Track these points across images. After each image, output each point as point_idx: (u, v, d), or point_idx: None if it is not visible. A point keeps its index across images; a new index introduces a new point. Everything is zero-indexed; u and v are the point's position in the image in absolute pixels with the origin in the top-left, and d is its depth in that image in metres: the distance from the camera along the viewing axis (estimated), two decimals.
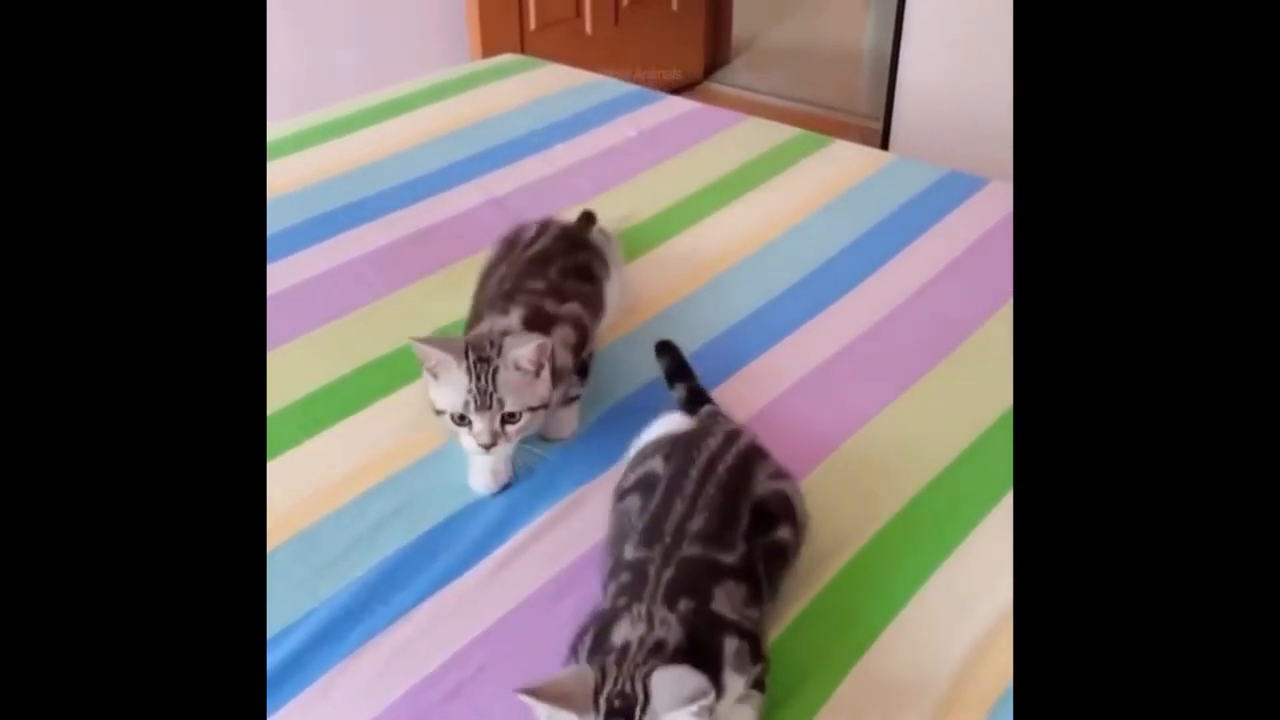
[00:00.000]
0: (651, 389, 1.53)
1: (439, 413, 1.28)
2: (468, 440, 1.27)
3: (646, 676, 0.91)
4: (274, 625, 1.17)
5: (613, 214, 1.97)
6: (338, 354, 1.61)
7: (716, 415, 1.37)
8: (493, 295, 1.45)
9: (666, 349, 1.51)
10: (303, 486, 1.37)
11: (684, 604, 1.01)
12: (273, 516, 1.31)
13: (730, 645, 1.00)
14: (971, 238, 1.93)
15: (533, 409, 1.28)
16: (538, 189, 2.10)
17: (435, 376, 1.28)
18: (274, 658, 1.14)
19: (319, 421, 1.48)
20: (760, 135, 2.34)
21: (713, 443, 1.20)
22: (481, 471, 1.34)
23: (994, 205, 2.03)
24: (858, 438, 1.46)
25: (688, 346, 1.58)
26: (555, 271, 1.49)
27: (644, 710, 0.89)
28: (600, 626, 1.01)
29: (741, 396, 1.52)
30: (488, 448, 1.25)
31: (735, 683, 0.99)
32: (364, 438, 1.45)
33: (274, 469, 1.39)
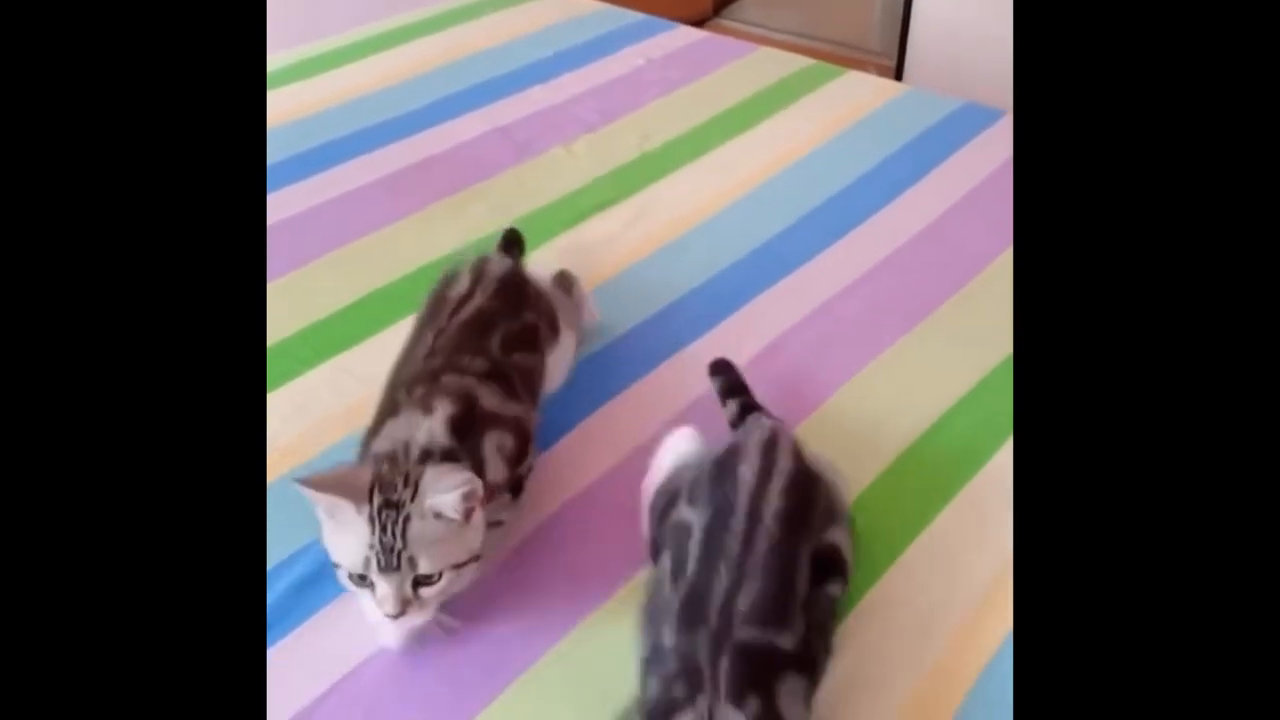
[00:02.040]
0: (649, 328, 1.51)
1: (335, 565, 1.02)
2: (369, 606, 1.00)
3: None
4: (275, 555, 1.16)
5: (622, 143, 1.94)
6: (338, 284, 1.58)
7: (757, 420, 1.17)
8: (416, 373, 1.16)
9: (722, 367, 1.33)
10: (305, 417, 1.35)
11: (753, 704, 0.86)
12: (273, 448, 1.30)
13: None
14: (986, 171, 1.88)
15: (457, 565, 1.01)
16: (543, 118, 2.06)
17: (330, 517, 1.01)
18: (276, 588, 1.13)
19: (320, 352, 1.46)
20: (772, 65, 2.28)
21: (747, 473, 1.01)
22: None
23: (1009, 138, 1.98)
24: (862, 376, 1.43)
25: (693, 280, 1.56)
26: (496, 342, 1.21)
27: None
28: (651, 718, 0.88)
29: (746, 331, 1.49)
30: (395, 617, 0.99)
31: None
32: (365, 369, 1.42)
33: (275, 400, 1.38)
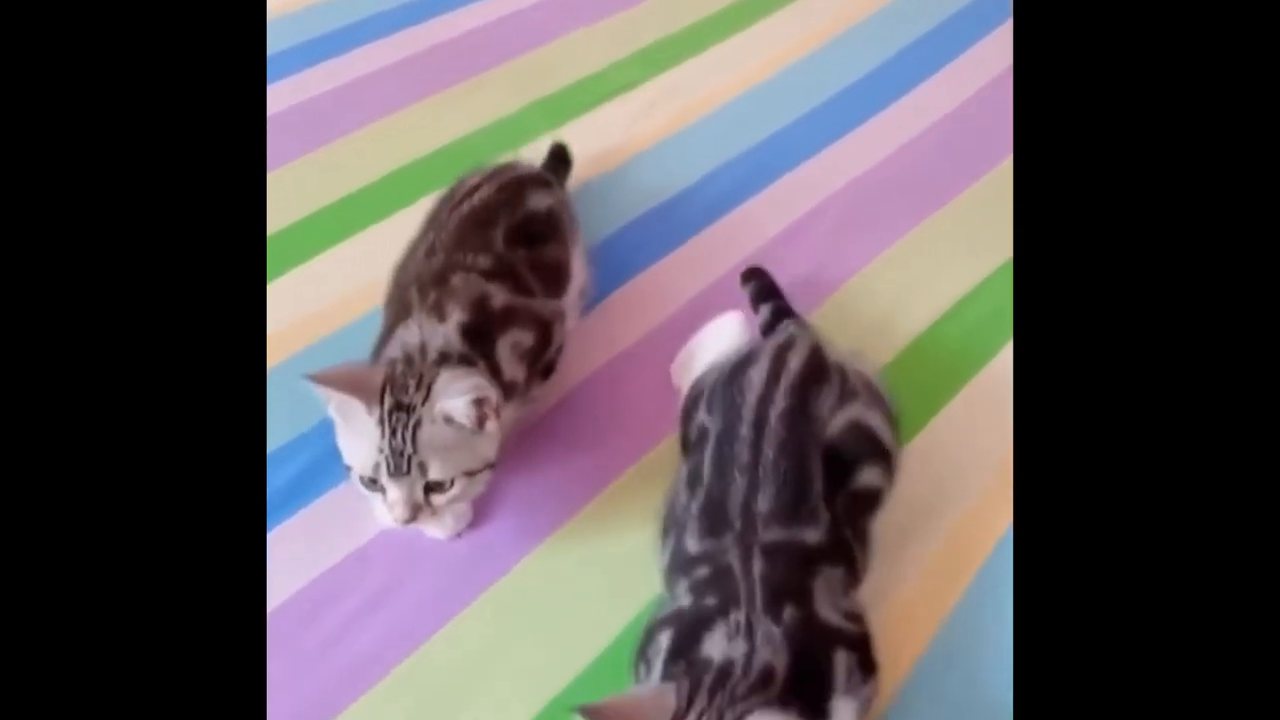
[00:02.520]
0: (666, 210, 1.47)
1: (347, 467, 0.98)
2: (380, 512, 0.97)
3: (742, 718, 0.74)
4: (275, 440, 1.16)
5: (644, 27, 1.86)
6: (339, 174, 1.55)
7: (785, 326, 1.14)
8: (418, 275, 1.10)
9: (754, 274, 1.30)
10: (307, 305, 1.34)
11: (789, 613, 0.84)
12: (274, 336, 1.29)
13: (841, 664, 0.84)
14: (1003, 66, 1.78)
15: (470, 472, 0.98)
16: (561, 4, 1.97)
17: (342, 417, 0.98)
18: (276, 474, 1.14)
19: (320, 242, 1.44)
20: None
21: (756, 377, 0.98)
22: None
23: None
24: (867, 271, 1.39)
25: (695, 173, 1.52)
26: (501, 234, 1.15)
27: None
28: (683, 629, 0.85)
29: (750, 226, 1.45)
30: (405, 523, 0.96)
31: (845, 708, 0.83)
32: (373, 256, 1.39)
33: (275, 289, 1.36)
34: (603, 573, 1.05)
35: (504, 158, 1.33)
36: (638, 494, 1.11)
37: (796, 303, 1.24)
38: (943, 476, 1.12)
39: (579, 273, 1.24)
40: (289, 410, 1.17)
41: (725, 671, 0.78)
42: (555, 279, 1.18)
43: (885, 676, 0.90)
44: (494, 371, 1.03)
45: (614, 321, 1.31)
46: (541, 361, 1.12)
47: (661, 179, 1.53)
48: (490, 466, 1.00)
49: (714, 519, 0.91)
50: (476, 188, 1.20)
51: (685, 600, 0.88)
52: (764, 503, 0.90)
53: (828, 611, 0.86)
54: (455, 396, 0.94)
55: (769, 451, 0.92)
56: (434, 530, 1.07)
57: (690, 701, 0.75)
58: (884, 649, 0.90)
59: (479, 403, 0.95)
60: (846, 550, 0.92)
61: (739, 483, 0.91)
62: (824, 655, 0.83)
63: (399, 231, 1.24)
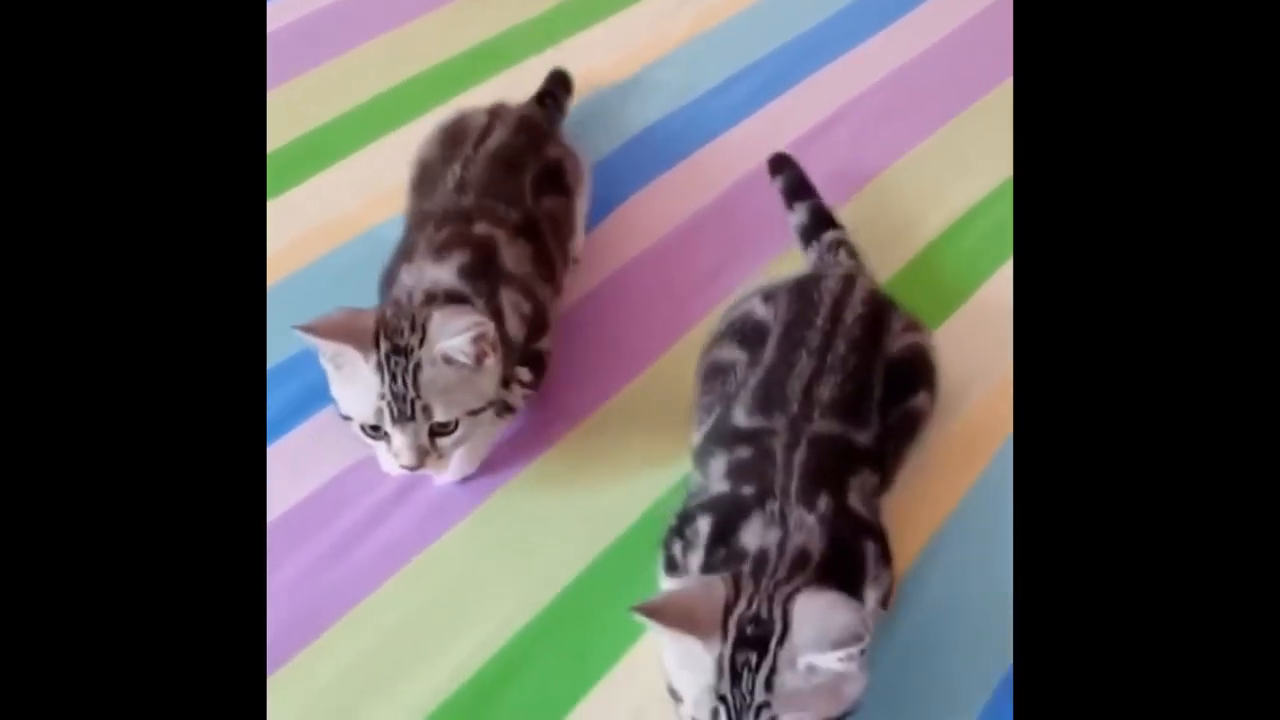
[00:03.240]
0: (685, 113, 1.44)
1: (345, 418, 0.96)
2: (386, 459, 0.95)
3: (788, 600, 0.74)
4: (275, 358, 1.15)
5: None
6: (339, 91, 1.51)
7: (841, 246, 1.13)
8: (446, 209, 1.08)
9: (783, 163, 1.26)
10: (308, 221, 1.31)
11: (823, 502, 0.84)
12: (274, 254, 1.27)
13: (870, 552, 0.85)
14: None
15: (474, 412, 0.95)
16: None
17: (336, 367, 0.95)
18: (276, 390, 1.12)
19: (328, 156, 1.40)
20: None
21: (833, 284, 0.99)
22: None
23: None
24: (880, 179, 1.35)
25: (690, 92, 1.48)
26: (529, 181, 1.13)
27: (781, 642, 0.72)
28: (721, 518, 0.85)
29: (753, 139, 1.40)
30: (412, 469, 0.94)
31: (871, 595, 0.84)
32: (373, 173, 1.38)
33: (276, 207, 1.34)
34: (594, 491, 1.04)
35: (530, 60, 1.35)
36: (647, 399, 1.12)
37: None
38: (944, 389, 1.08)
39: (581, 217, 1.24)
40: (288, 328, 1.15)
41: (763, 557, 0.80)
42: (565, 229, 1.17)
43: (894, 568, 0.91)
44: (496, 315, 0.99)
45: (628, 230, 1.30)
46: (535, 342, 1.07)
47: (682, 81, 1.50)
48: (491, 404, 0.96)
49: (770, 395, 0.91)
50: (489, 127, 1.17)
51: (721, 485, 0.88)
52: (827, 390, 0.90)
53: (857, 504, 0.87)
54: (452, 335, 0.91)
55: (841, 345, 0.93)
56: (441, 475, 1.03)
57: (737, 589, 0.76)
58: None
59: (477, 339, 0.91)
60: (886, 461, 0.93)
61: (805, 363, 0.92)
62: (856, 544, 0.84)
63: (396, 150, 1.22)
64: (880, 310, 0.98)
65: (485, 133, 1.16)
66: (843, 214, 1.25)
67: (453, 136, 1.18)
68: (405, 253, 1.05)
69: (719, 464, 0.89)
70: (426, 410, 0.91)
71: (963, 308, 1.19)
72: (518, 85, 1.39)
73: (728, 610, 0.74)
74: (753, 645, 0.72)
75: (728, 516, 0.84)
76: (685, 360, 1.06)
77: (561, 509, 1.03)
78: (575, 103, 1.42)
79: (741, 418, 0.90)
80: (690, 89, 1.48)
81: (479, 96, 1.38)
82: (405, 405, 0.90)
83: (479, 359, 0.93)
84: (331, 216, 1.31)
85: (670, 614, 0.73)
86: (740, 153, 1.37)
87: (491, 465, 1.06)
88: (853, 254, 1.12)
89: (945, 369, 1.03)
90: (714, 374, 0.98)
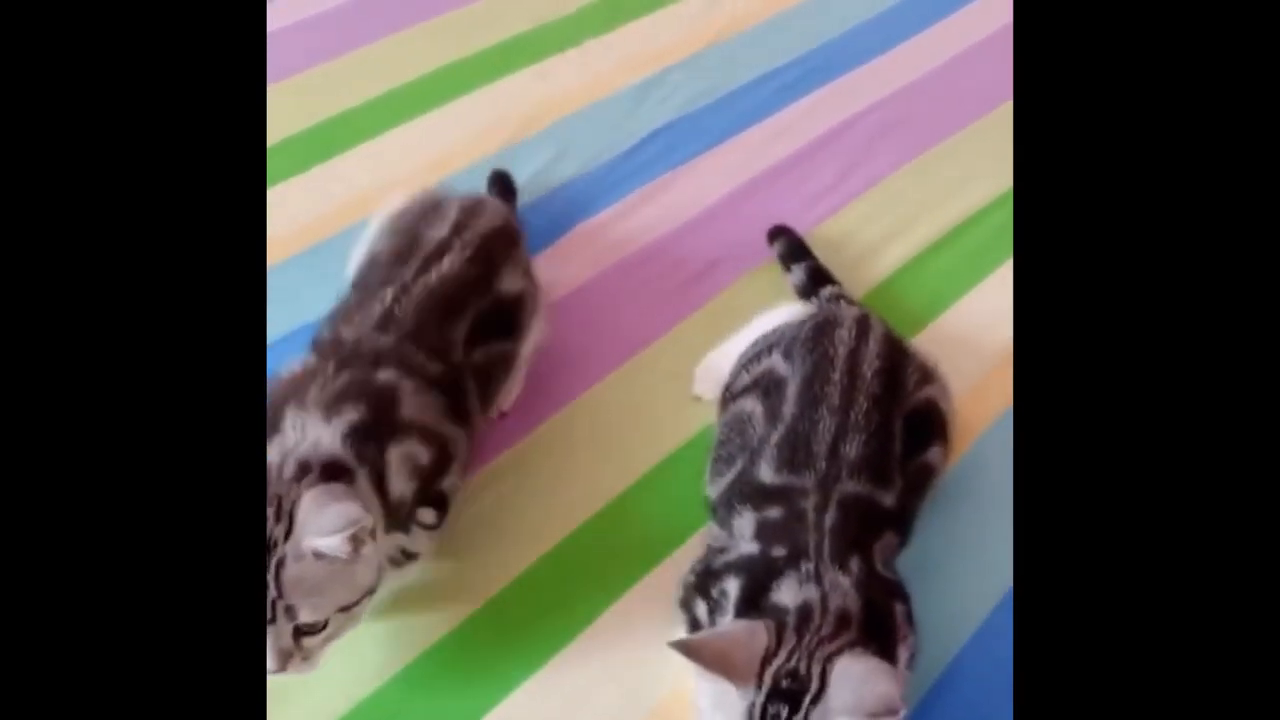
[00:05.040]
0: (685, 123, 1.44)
1: None
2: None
3: (829, 659, 0.74)
4: (275, 332, 1.13)
5: None
6: (350, 84, 1.49)
7: (840, 299, 1.14)
8: (357, 346, 0.93)
9: (781, 232, 1.27)
10: (313, 210, 1.30)
11: (855, 564, 0.83)
12: (274, 239, 1.25)
13: (900, 613, 0.84)
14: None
15: (347, 608, 0.82)
16: None
17: None
18: (276, 362, 1.03)
19: (319, 154, 1.38)
20: None
21: (845, 335, 0.98)
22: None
23: None
24: (870, 193, 1.34)
25: (696, 101, 1.48)
26: (467, 327, 0.99)
27: (815, 701, 0.72)
28: (751, 580, 0.83)
29: (749, 152, 1.40)
30: (275, 672, 0.80)
31: (903, 655, 0.83)
32: (358, 174, 1.36)
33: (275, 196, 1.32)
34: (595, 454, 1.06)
35: (552, 59, 1.35)
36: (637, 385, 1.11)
37: (819, 209, 1.25)
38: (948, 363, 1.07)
39: (523, 364, 1.09)
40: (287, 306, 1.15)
41: (807, 612, 0.78)
42: (496, 380, 1.04)
43: None
44: (377, 481, 0.86)
45: (639, 222, 1.29)
46: (434, 486, 0.93)
47: (705, 84, 1.51)
48: (371, 593, 0.83)
49: (796, 452, 0.89)
50: (445, 246, 1.01)
51: (750, 545, 0.86)
52: (853, 449, 0.89)
53: (882, 567, 0.87)
54: (325, 533, 0.78)
55: (863, 401, 0.91)
56: (303, 672, 0.84)
57: (779, 640, 0.75)
58: None
59: (352, 537, 0.78)
60: (906, 521, 0.92)
61: (828, 422, 0.90)
62: (887, 604, 0.83)
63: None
64: (896, 362, 0.96)
65: (437, 254, 1.00)
66: (844, 217, 1.25)
67: (407, 239, 1.02)
68: (301, 382, 0.90)
69: (745, 522, 0.87)
70: (290, 611, 0.78)
71: (961, 300, 1.21)
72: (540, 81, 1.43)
73: (766, 660, 0.74)
74: (786, 699, 0.72)
75: (758, 579, 0.82)
76: (677, 354, 1.10)
77: (565, 465, 1.04)
78: (591, 100, 1.43)
79: (768, 474, 0.88)
80: (706, 93, 1.48)
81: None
82: (267, 606, 0.77)
83: (355, 549, 0.79)
84: (329, 208, 1.29)
85: (708, 654, 0.73)
86: (721, 173, 1.37)
87: (511, 421, 1.07)
88: (852, 305, 1.11)
89: (942, 357, 1.03)
90: (735, 426, 0.95)
